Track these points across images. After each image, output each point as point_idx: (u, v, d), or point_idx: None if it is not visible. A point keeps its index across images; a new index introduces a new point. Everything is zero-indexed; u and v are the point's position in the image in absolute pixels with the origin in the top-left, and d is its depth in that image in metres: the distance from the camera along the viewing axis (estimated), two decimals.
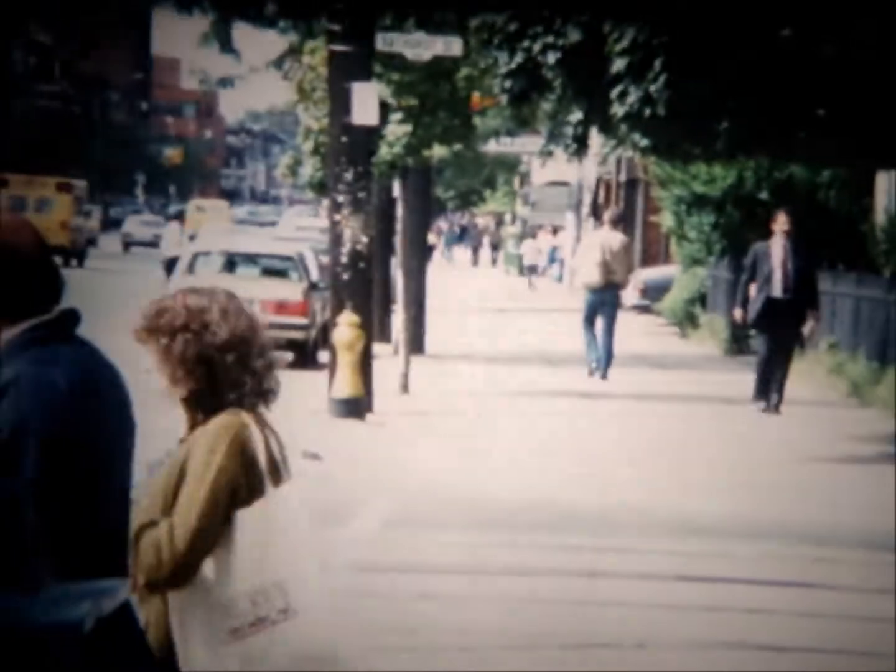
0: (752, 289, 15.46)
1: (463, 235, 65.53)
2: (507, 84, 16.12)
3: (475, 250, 60.64)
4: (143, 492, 3.28)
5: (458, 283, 41.14)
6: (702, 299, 26.46)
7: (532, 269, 45.14)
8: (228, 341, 3.40)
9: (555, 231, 48.18)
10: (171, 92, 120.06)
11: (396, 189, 19.06)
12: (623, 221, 22.13)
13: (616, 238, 18.34)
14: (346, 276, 14.99)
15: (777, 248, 15.42)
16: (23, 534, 2.90)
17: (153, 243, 50.88)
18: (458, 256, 61.71)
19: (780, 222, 15.50)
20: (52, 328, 2.99)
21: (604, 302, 17.97)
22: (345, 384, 14.75)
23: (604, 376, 18.23)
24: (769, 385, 15.50)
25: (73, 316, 3.05)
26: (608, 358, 18.25)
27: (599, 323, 18.13)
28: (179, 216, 47.83)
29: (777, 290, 15.28)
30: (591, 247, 18.37)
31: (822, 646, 7.25)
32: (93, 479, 2.94)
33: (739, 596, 8.14)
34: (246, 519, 3.50)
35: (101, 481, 2.97)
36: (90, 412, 2.95)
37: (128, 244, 54.91)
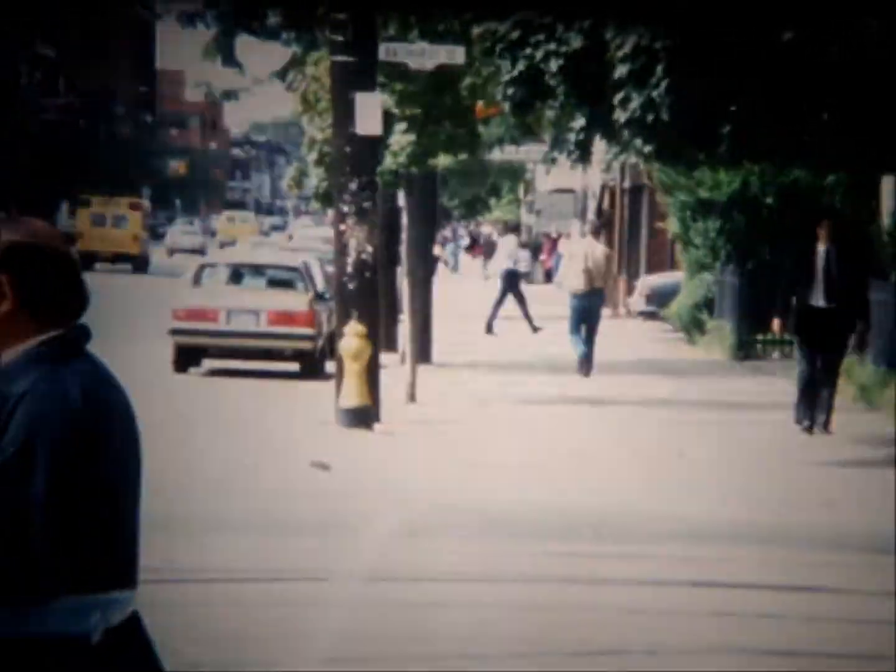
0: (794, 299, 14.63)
1: (475, 244, 65.70)
2: (510, 92, 16.14)
3: (487, 258, 60.77)
4: None
5: (465, 292, 41.15)
6: (708, 305, 26.45)
7: (526, 277, 45.28)
8: None
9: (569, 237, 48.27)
10: (175, 104, 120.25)
11: (401, 198, 19.09)
12: (603, 231, 24.48)
13: (597, 247, 20.26)
14: (351, 286, 15.00)
15: (820, 256, 14.50)
16: (33, 545, 2.91)
17: (194, 250, 57.86)
18: (464, 266, 61.78)
19: (824, 228, 14.64)
20: (65, 343, 3.01)
21: (589, 305, 19.81)
22: (352, 394, 14.76)
23: (587, 374, 19.80)
24: (814, 402, 14.53)
25: (85, 332, 3.08)
26: (590, 356, 19.95)
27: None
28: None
29: (820, 299, 14.43)
30: (575, 256, 20.28)
31: (829, 650, 7.25)
32: (103, 492, 2.96)
33: (747, 601, 8.14)
34: None
35: (112, 493, 2.98)
36: (101, 425, 2.97)
37: (172, 251, 63.35)
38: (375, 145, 15.29)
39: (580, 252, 20.09)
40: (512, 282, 28.78)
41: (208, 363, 20.56)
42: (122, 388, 3.08)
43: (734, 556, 9.23)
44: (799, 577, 8.69)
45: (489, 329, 26.65)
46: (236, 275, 21.29)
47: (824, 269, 14.43)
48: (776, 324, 15.07)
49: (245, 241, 42.56)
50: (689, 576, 8.63)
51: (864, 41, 13.91)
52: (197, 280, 20.88)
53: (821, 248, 14.53)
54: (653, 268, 36.04)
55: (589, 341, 20.00)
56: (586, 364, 19.95)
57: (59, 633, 2.84)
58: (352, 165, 14.81)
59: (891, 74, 14.07)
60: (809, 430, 14.51)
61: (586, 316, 19.78)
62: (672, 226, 26.91)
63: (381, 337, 16.80)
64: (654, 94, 14.76)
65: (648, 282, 32.67)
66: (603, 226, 26.72)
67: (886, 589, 8.24)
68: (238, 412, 16.25)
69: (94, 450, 2.96)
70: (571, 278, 19.99)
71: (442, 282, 30.03)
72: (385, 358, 17.22)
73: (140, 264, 47.96)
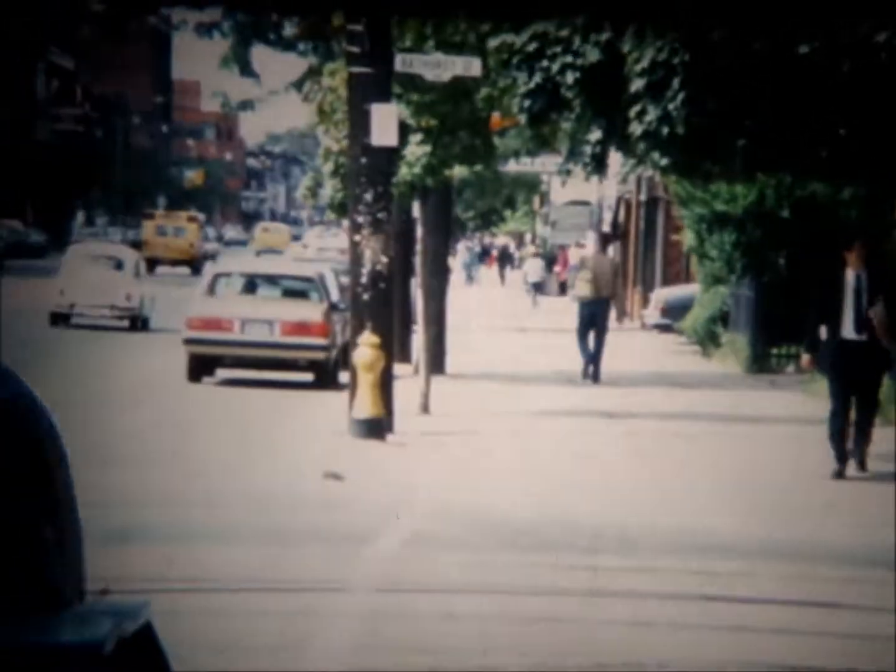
0: (822, 329, 13.11)
1: (487, 254, 65.91)
2: (527, 104, 16.17)
3: (503, 268, 60.96)
4: None
5: (480, 303, 41.15)
6: (723, 318, 26.41)
7: (537, 287, 45.23)
8: None
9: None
10: (191, 115, 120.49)
11: (416, 209, 19.10)
12: (608, 241, 26.49)
13: (603, 257, 21.85)
14: (366, 297, 15.01)
15: (850, 283, 12.98)
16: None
17: (208, 256, 65.36)
18: (479, 276, 61.88)
19: (857, 250, 13.01)
20: None
21: (595, 313, 21.06)
22: (365, 404, 14.76)
23: (596, 379, 20.77)
24: (844, 444, 13.13)
25: None
26: (598, 361, 21.00)
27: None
28: None
29: (851, 331, 12.95)
30: (583, 266, 21.56)
31: (838, 665, 7.22)
32: (66, 504, 2.97)
33: (759, 616, 8.11)
34: None
35: (70, 505, 3.00)
36: (46, 434, 2.98)
37: None
38: (391, 156, 15.30)
39: (588, 263, 21.34)
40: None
41: (222, 373, 20.58)
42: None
43: (746, 570, 9.20)
44: (810, 592, 8.66)
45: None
46: (251, 284, 21.31)
47: (854, 297, 12.97)
48: (805, 360, 13.43)
49: (286, 250, 52.69)
50: (701, 590, 8.61)
51: (879, 55, 13.90)
52: (211, 289, 20.89)
53: (850, 273, 13.04)
54: (668, 280, 36.01)
55: (597, 347, 21.00)
56: (592, 369, 20.91)
57: (70, 643, 2.84)
58: (367, 176, 14.82)
59: None
60: (840, 475, 13.07)
61: (593, 322, 20.99)
62: (687, 238, 26.89)
63: (395, 348, 16.80)
64: (671, 107, 14.78)
65: (663, 294, 32.64)
66: (611, 238, 28.34)
67: None
68: (251, 422, 16.25)
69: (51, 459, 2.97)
70: (579, 287, 21.38)
71: (456, 292, 30.04)
72: (399, 369, 17.22)
73: (196, 268, 54.76)
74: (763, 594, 8.59)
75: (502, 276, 59.90)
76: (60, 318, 27.76)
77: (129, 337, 27.50)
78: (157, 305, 29.16)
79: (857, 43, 13.83)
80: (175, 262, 55.25)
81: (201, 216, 66.63)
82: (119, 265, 28.35)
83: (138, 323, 28.25)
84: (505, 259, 61.93)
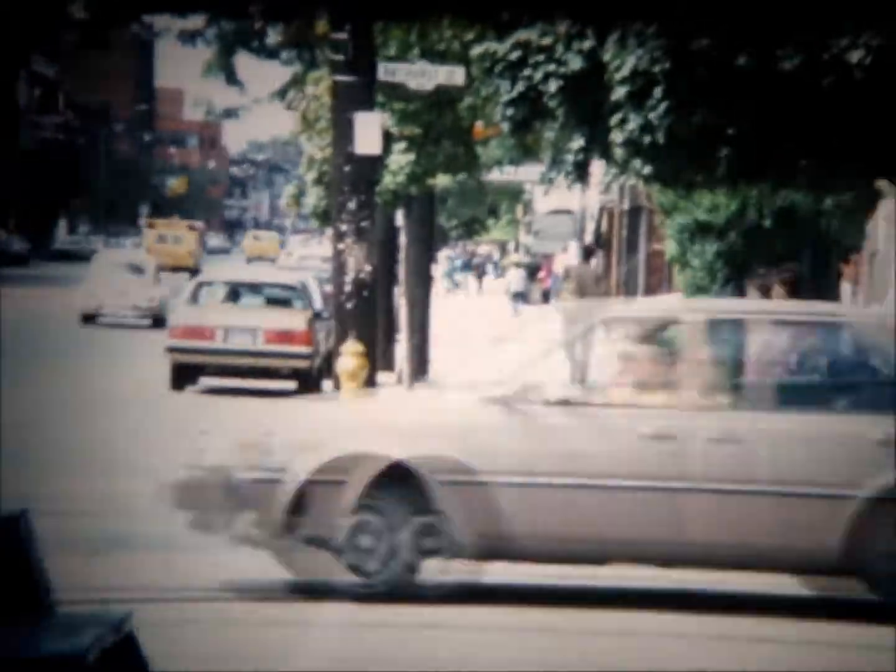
0: None
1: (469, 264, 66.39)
2: (509, 112, 16.17)
3: (480, 277, 61.28)
4: None
5: (463, 311, 41.19)
6: None
7: (519, 297, 45.36)
8: None
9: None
10: (174, 123, 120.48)
11: (399, 218, 19.12)
12: (591, 253, 26.74)
13: (587, 267, 22.94)
14: (349, 305, 15.01)
15: (845, 297, 13.25)
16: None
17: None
18: (463, 284, 62.13)
19: (856, 263, 13.18)
20: None
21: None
22: None
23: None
24: None
25: None
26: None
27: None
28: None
29: None
30: (567, 277, 22.86)
31: None
32: None
33: (748, 625, 8.11)
34: None
35: None
36: None
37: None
38: (374, 164, 15.31)
39: (571, 273, 22.51)
40: None
41: (205, 381, 20.54)
42: None
43: (733, 578, 9.20)
44: (800, 602, 8.67)
45: None
46: (234, 293, 21.30)
47: None
48: None
49: (278, 257, 56.37)
50: (690, 599, 8.61)
51: (853, 74, 13.96)
52: (194, 298, 20.87)
53: (846, 287, 13.09)
54: (650, 289, 36.04)
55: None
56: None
57: (54, 652, 2.83)
58: (350, 184, 14.82)
59: (885, 100, 14.11)
60: None
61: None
62: (669, 248, 26.96)
63: (378, 356, 16.79)
64: (652, 115, 14.80)
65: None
66: (594, 250, 29.45)
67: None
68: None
69: None
70: (563, 298, 23.28)
71: (438, 301, 30.07)
72: (382, 377, 17.20)
73: (195, 274, 59.21)
74: (751, 602, 8.59)
75: (478, 286, 60.42)
76: (90, 318, 31.79)
77: (147, 335, 28.75)
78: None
79: (833, 60, 13.88)
80: (175, 269, 58.62)
81: (199, 224, 69.86)
82: (140, 270, 32.15)
83: (159, 321, 30.62)
84: (480, 269, 62.67)
